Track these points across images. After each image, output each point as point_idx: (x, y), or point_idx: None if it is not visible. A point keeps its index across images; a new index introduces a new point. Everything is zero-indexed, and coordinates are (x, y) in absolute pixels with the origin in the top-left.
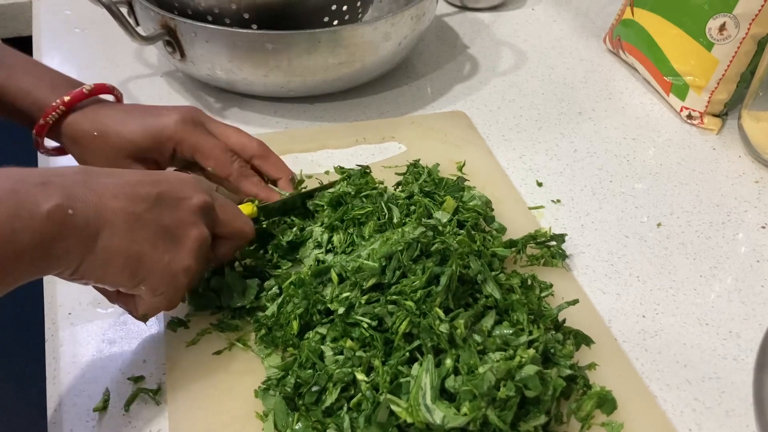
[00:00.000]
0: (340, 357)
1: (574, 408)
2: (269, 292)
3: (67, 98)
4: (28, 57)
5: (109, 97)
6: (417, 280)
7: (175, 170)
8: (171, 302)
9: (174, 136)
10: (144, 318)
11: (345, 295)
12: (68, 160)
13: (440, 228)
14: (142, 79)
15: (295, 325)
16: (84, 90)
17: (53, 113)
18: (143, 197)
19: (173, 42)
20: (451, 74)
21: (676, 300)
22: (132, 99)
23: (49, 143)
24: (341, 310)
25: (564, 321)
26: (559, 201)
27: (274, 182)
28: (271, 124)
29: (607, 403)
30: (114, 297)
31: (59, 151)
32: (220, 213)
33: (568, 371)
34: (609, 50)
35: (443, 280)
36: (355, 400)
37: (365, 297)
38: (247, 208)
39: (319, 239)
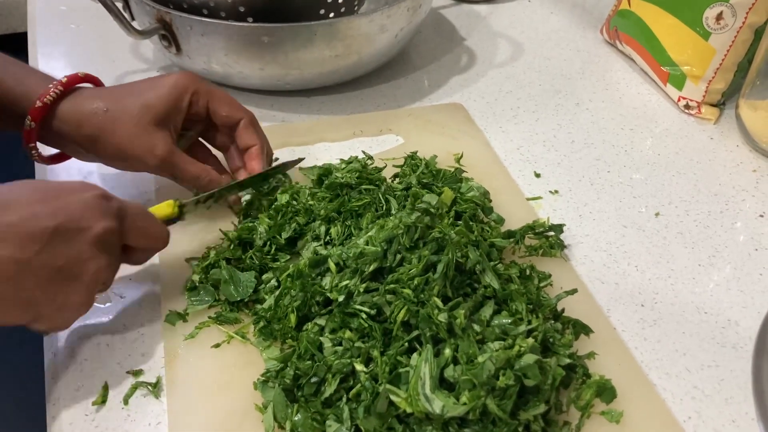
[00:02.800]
0: (339, 348)
1: (574, 397)
2: (267, 285)
3: (63, 79)
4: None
5: None
6: (413, 268)
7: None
8: (67, 326)
9: (189, 87)
10: (46, 333)
11: (344, 283)
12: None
13: (432, 210)
14: (138, 75)
15: (292, 318)
16: (78, 74)
17: (51, 94)
18: (36, 237)
19: (169, 36)
20: (448, 66)
21: (674, 289)
22: None
23: (44, 150)
24: (341, 299)
25: (563, 310)
26: (557, 192)
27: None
28: (268, 117)
29: (606, 391)
30: None
31: (56, 159)
32: (131, 226)
33: (568, 360)
34: (606, 41)
35: (440, 267)
36: (354, 390)
37: (364, 285)
38: (167, 209)
39: (317, 231)
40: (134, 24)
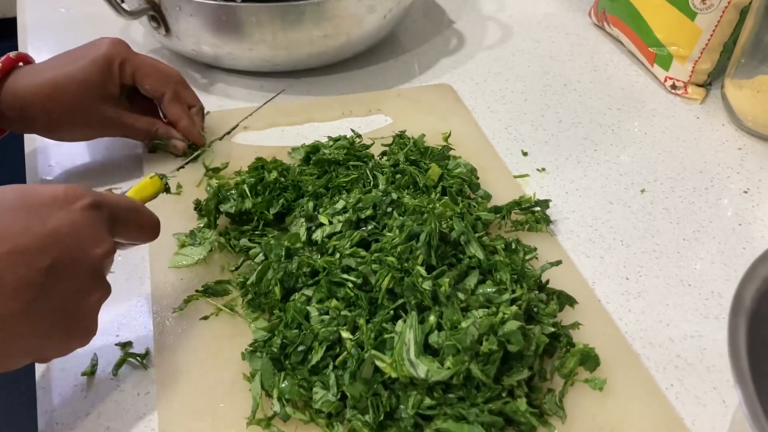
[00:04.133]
0: (326, 317)
1: (558, 365)
2: (255, 260)
3: None
4: None
5: None
6: (396, 237)
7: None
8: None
9: (116, 58)
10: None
11: (334, 242)
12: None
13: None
14: None
15: (277, 290)
16: (11, 56)
17: None
18: (30, 280)
19: (158, 17)
20: (437, 49)
21: (659, 263)
22: None
23: None
24: (330, 251)
25: (547, 282)
26: (544, 170)
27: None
28: (257, 98)
29: (590, 360)
30: None
31: None
32: (124, 227)
33: (552, 329)
34: (594, 24)
35: (422, 237)
36: (340, 358)
37: (356, 234)
38: (152, 186)
39: (305, 207)
40: (124, 5)
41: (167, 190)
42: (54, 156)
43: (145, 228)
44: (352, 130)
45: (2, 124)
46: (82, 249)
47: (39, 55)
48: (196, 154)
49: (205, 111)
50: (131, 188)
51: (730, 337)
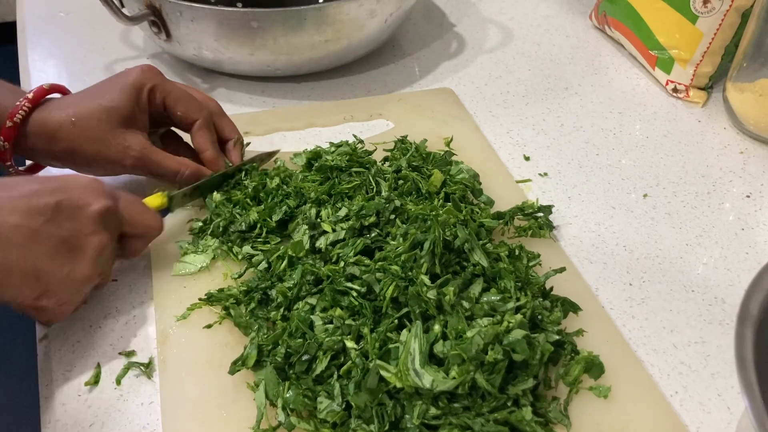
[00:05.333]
0: (330, 326)
1: (562, 373)
2: (258, 267)
3: (30, 95)
4: None
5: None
6: (400, 245)
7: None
8: (74, 308)
9: (146, 84)
10: (48, 324)
11: (338, 250)
12: None
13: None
14: (129, 62)
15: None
16: (44, 86)
17: (20, 112)
18: (40, 209)
19: (158, 22)
20: (437, 52)
21: (662, 268)
22: None
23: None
24: (334, 258)
25: (551, 289)
26: (546, 174)
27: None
28: (258, 103)
29: (594, 367)
30: (15, 305)
31: (33, 170)
32: (126, 212)
33: (556, 337)
34: (595, 26)
35: (426, 245)
36: (345, 367)
37: (360, 241)
38: (157, 200)
39: (308, 214)
40: (124, 10)
41: (170, 209)
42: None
43: (147, 220)
44: (355, 136)
45: (32, 158)
46: (85, 198)
47: (37, 59)
48: (200, 185)
49: (245, 142)
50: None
51: (737, 347)
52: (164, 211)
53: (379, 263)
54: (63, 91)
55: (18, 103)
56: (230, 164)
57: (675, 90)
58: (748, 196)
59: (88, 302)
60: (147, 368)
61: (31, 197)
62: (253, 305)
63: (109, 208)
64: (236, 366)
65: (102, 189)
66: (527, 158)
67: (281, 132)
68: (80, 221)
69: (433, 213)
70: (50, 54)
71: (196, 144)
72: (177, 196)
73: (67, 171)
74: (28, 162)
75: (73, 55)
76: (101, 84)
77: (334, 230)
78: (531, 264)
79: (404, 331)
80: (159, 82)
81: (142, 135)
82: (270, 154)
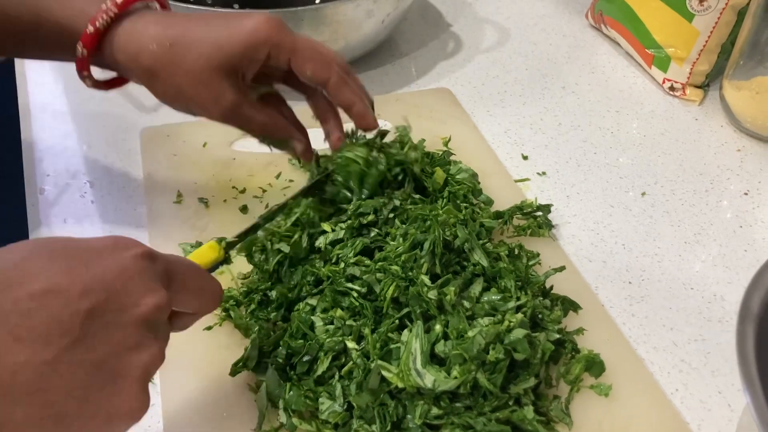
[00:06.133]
0: (331, 327)
1: (563, 371)
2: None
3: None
4: None
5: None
6: (400, 245)
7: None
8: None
9: (269, 38)
10: None
11: (337, 251)
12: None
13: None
14: None
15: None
16: None
17: (103, 16)
18: (63, 327)
19: None
20: (434, 52)
21: (661, 266)
22: None
23: (98, 74)
24: (335, 260)
25: (551, 288)
26: (544, 173)
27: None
28: None
29: (595, 365)
30: None
31: (111, 84)
32: (182, 291)
33: (557, 336)
34: (591, 25)
35: (426, 245)
36: (346, 368)
37: (359, 241)
38: (212, 252)
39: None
40: None
41: (227, 259)
42: (51, 162)
43: (207, 291)
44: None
45: (114, 70)
46: (129, 297)
47: (32, 64)
48: (254, 224)
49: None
50: (189, 254)
51: (739, 344)
52: (220, 262)
53: (380, 263)
54: (161, 2)
55: (103, 6)
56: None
57: (672, 88)
58: (746, 194)
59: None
60: None
61: (49, 304)
62: (253, 306)
63: (161, 305)
64: (237, 367)
65: (151, 272)
66: (525, 157)
67: None
68: (123, 333)
69: (433, 213)
70: None
71: (342, 100)
72: (232, 243)
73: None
74: (109, 74)
75: None
76: (215, 16)
77: (333, 230)
78: (531, 263)
79: (405, 331)
80: (284, 39)
81: (239, 87)
82: (318, 183)
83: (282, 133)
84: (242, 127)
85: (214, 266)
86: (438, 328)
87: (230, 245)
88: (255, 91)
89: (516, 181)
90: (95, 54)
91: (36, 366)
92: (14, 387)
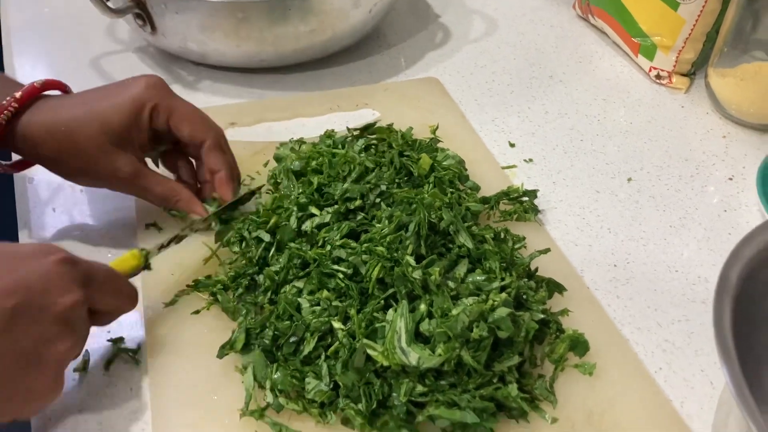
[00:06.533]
0: (317, 308)
1: (548, 351)
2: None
3: (18, 94)
4: None
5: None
6: (386, 227)
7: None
8: (34, 415)
9: (148, 102)
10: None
11: (324, 234)
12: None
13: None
14: (114, 56)
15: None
16: (35, 84)
17: (4, 113)
18: None
19: (143, 14)
20: (423, 43)
21: (646, 249)
22: (104, 75)
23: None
24: (322, 243)
25: (536, 270)
26: (531, 160)
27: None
28: (245, 94)
29: (579, 345)
30: None
31: (20, 166)
32: (99, 292)
33: (541, 315)
34: (579, 16)
35: (411, 226)
36: (332, 348)
37: (345, 225)
38: (132, 260)
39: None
40: (108, 3)
41: (147, 266)
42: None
43: (123, 294)
44: (348, 128)
45: (21, 155)
46: (49, 296)
47: (22, 54)
48: (179, 234)
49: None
50: (112, 261)
51: (716, 316)
52: (140, 269)
53: (365, 245)
54: (60, 87)
55: (4, 102)
56: (214, 202)
57: (658, 76)
58: (731, 179)
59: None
60: (135, 354)
61: None
62: (240, 291)
63: (76, 303)
64: (224, 350)
65: (70, 276)
66: (512, 145)
67: (267, 122)
68: (43, 326)
69: (419, 197)
70: (35, 49)
71: (209, 165)
72: (153, 251)
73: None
74: (16, 156)
75: (58, 49)
76: (101, 91)
77: (320, 213)
78: (516, 246)
79: (390, 311)
80: (162, 100)
81: (135, 155)
82: (252, 193)
83: (180, 207)
84: (142, 197)
85: (134, 272)
86: (423, 307)
87: (148, 254)
88: (155, 152)
89: (503, 167)
90: (0, 144)
91: None
92: None
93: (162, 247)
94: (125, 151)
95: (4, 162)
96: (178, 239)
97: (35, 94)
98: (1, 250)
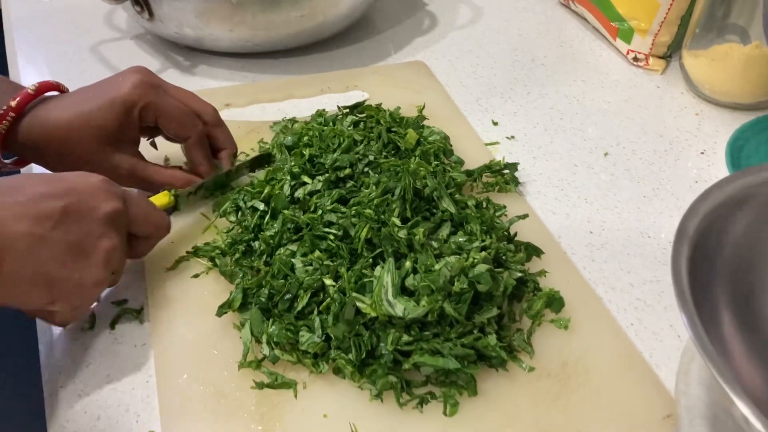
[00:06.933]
0: (310, 268)
1: (525, 307)
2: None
3: (13, 103)
4: None
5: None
6: (373, 192)
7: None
8: (87, 310)
9: (138, 102)
10: (63, 325)
11: (316, 200)
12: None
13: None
14: (112, 43)
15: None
16: (29, 91)
17: (3, 123)
18: (48, 214)
19: (141, 1)
20: (410, 29)
21: (621, 217)
22: (103, 63)
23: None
24: (313, 209)
25: (515, 234)
26: (513, 137)
27: (215, 153)
28: (239, 78)
29: (555, 302)
30: (28, 311)
31: (20, 163)
32: (134, 212)
33: (519, 274)
34: (561, 3)
35: (397, 191)
36: (324, 303)
37: (335, 192)
38: (163, 198)
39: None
40: None
41: (177, 207)
42: None
43: (155, 220)
44: (339, 107)
45: (23, 156)
46: (94, 200)
47: (22, 43)
48: (204, 183)
49: (239, 152)
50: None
51: (673, 261)
52: (171, 209)
53: (354, 208)
54: (55, 87)
55: (1, 112)
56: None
57: (635, 59)
58: (702, 153)
59: (100, 301)
60: (139, 314)
61: (38, 201)
62: (237, 256)
63: (118, 210)
64: (223, 309)
65: (111, 190)
66: (495, 123)
67: (261, 104)
68: (89, 224)
69: (405, 166)
70: (34, 38)
71: (190, 159)
72: (182, 195)
73: None
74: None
75: (57, 38)
76: (96, 87)
77: (312, 181)
78: (497, 214)
79: (378, 267)
80: (151, 100)
81: (132, 151)
82: (260, 158)
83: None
84: (144, 188)
85: (165, 209)
86: (408, 264)
87: (178, 196)
88: (150, 138)
89: (486, 144)
90: (2, 148)
91: (31, 236)
92: (18, 247)
93: (190, 194)
94: (120, 150)
95: (5, 160)
96: (207, 188)
97: (30, 100)
98: (48, 174)
